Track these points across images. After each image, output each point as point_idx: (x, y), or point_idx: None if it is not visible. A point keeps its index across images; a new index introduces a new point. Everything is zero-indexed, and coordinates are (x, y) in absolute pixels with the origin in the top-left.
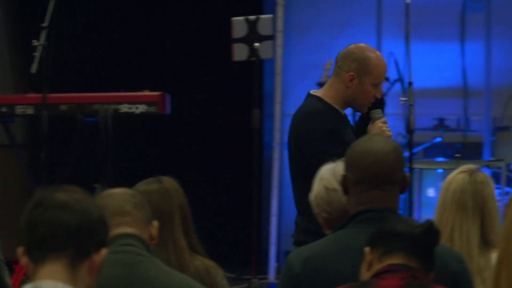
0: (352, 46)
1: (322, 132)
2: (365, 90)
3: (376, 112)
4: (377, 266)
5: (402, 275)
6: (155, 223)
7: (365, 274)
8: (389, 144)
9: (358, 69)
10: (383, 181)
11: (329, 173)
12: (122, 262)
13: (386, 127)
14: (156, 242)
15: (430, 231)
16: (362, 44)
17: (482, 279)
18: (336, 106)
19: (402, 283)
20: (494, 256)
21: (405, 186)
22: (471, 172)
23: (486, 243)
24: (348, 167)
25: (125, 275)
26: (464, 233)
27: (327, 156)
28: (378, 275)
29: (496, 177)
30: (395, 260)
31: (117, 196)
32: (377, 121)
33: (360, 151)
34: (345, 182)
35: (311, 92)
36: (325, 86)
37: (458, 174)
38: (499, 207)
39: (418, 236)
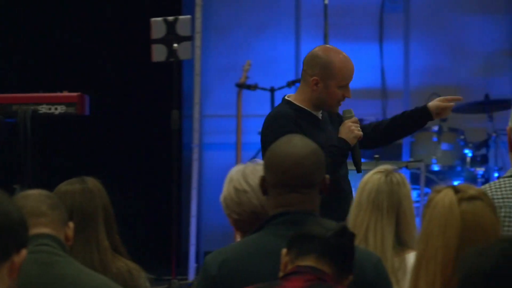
0: (317, 49)
1: (276, 135)
2: (331, 93)
3: (347, 112)
4: (289, 268)
5: (307, 276)
6: (71, 224)
7: (280, 276)
8: (308, 146)
9: (322, 74)
10: (302, 184)
11: (239, 174)
12: (38, 261)
13: (356, 127)
14: (79, 242)
15: (343, 234)
16: (327, 46)
17: (396, 280)
18: (307, 109)
19: (306, 285)
20: (408, 256)
21: (325, 188)
22: (387, 173)
23: (400, 243)
24: (267, 169)
25: (41, 274)
26: (379, 233)
27: None
28: (285, 276)
29: (415, 178)
30: (306, 262)
31: (33, 197)
32: (347, 121)
33: (279, 153)
34: (264, 184)
35: (285, 95)
36: (297, 90)
37: (374, 174)
38: (417, 208)
39: (330, 239)
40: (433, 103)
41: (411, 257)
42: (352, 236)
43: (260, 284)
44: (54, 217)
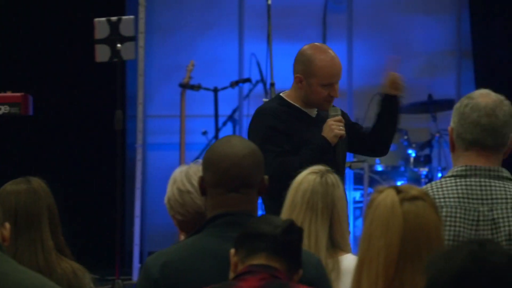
0: (305, 46)
1: (260, 130)
2: (315, 91)
3: (333, 110)
4: (240, 268)
5: (262, 275)
6: (7, 225)
7: (231, 277)
8: (247, 147)
9: (304, 71)
10: (240, 185)
11: (182, 175)
12: None
13: (337, 126)
14: (24, 242)
15: (291, 230)
16: (316, 45)
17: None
18: (297, 105)
19: (262, 284)
20: (342, 258)
21: (263, 188)
22: (322, 174)
23: (334, 245)
24: (205, 169)
25: None
26: (313, 234)
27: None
28: (239, 276)
29: (358, 178)
30: (257, 261)
31: None
32: (329, 119)
33: (218, 154)
34: (203, 184)
35: (280, 92)
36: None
37: (309, 174)
38: (361, 208)
39: (279, 236)
40: (382, 86)
41: (344, 259)
42: (300, 231)
43: (215, 285)
44: None
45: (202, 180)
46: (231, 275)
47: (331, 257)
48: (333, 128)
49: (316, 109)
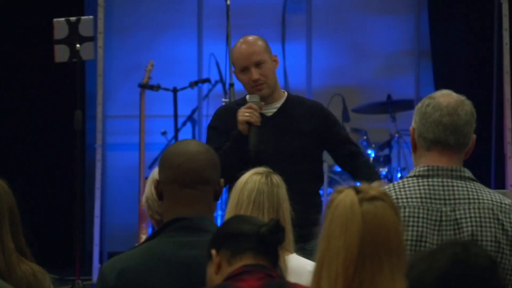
0: None
1: (208, 128)
2: (240, 80)
3: (252, 97)
4: (229, 269)
5: (259, 275)
6: None
7: (214, 278)
8: (202, 146)
9: (232, 64)
10: (195, 180)
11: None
12: None
13: (243, 112)
14: None
15: (278, 229)
16: (246, 36)
17: None
18: (248, 100)
19: (261, 283)
20: (288, 258)
21: (220, 191)
22: (266, 174)
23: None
24: (160, 168)
25: None
26: None
27: None
28: (234, 277)
29: None
30: (246, 260)
31: None
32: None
33: (172, 152)
34: (158, 187)
35: None
36: None
37: (254, 175)
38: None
39: (265, 235)
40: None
41: (290, 259)
42: (284, 231)
43: (210, 287)
44: None
45: (158, 184)
46: (212, 275)
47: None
48: (242, 113)
49: (276, 108)
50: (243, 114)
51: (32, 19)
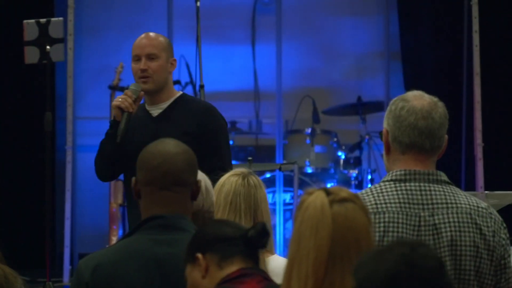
0: None
1: None
2: (132, 69)
3: (133, 85)
4: (220, 272)
5: (258, 278)
6: None
7: (201, 282)
8: (179, 146)
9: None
10: (173, 182)
11: None
12: None
13: (118, 98)
14: None
15: (265, 233)
16: (150, 32)
17: None
18: (145, 103)
19: (261, 286)
20: (269, 260)
21: (196, 191)
22: (244, 175)
23: None
24: (139, 168)
25: None
26: None
27: None
28: (232, 279)
29: (288, 180)
30: (236, 264)
31: None
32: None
33: (150, 152)
34: (136, 186)
35: None
36: None
37: (231, 176)
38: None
39: (252, 239)
40: None
41: (271, 260)
42: (269, 234)
43: None
44: None
45: (136, 182)
46: (197, 279)
47: None
48: (116, 99)
49: (162, 108)
50: (117, 99)
51: (2, 20)
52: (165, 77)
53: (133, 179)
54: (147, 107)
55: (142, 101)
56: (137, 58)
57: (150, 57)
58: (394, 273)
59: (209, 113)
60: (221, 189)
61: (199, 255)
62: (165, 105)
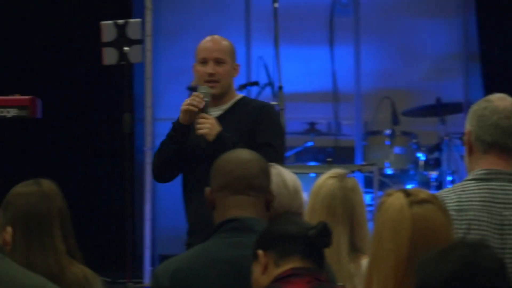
0: None
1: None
2: (196, 70)
3: (202, 88)
4: (276, 270)
5: (307, 278)
6: (9, 229)
7: (261, 278)
8: (253, 154)
9: (195, 55)
10: (247, 186)
11: (278, 178)
12: None
13: (185, 102)
14: (36, 247)
15: (326, 232)
16: (215, 35)
17: (353, 286)
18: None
19: (309, 287)
20: (364, 262)
21: (270, 201)
22: (341, 178)
23: (355, 249)
24: (213, 176)
25: None
26: (334, 240)
27: None
28: (282, 279)
29: (368, 181)
30: (293, 262)
31: None
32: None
33: (224, 159)
34: (211, 195)
35: None
36: None
37: (328, 179)
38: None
39: (313, 238)
40: None
41: (366, 263)
42: (331, 234)
43: None
44: None
45: (210, 192)
46: (258, 275)
47: (353, 261)
48: (182, 104)
49: (222, 110)
50: (185, 103)
51: (81, 22)
52: (230, 82)
53: (207, 189)
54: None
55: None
56: (204, 61)
57: (218, 61)
58: (455, 274)
59: (264, 110)
60: (319, 192)
61: (260, 252)
62: (225, 106)
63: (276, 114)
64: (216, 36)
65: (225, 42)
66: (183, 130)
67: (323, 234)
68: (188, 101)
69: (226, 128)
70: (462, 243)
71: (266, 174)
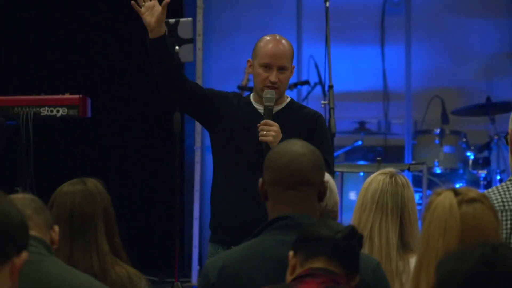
0: None
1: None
2: (256, 73)
3: (268, 93)
4: (299, 270)
5: (322, 279)
6: (56, 228)
7: (289, 279)
8: (306, 147)
9: (252, 54)
10: (299, 181)
11: None
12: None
13: (262, 129)
14: (79, 247)
15: (352, 236)
16: (281, 37)
17: (400, 283)
18: (252, 99)
19: (321, 287)
20: (412, 260)
21: (324, 192)
22: (391, 174)
23: (404, 246)
24: (265, 169)
25: (26, 272)
26: (384, 234)
27: None
28: (298, 278)
29: (417, 180)
30: (317, 264)
31: (18, 201)
32: (259, 124)
33: (277, 152)
34: (263, 187)
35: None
36: None
37: (378, 175)
38: (420, 210)
39: (339, 241)
40: None
41: (413, 262)
42: (361, 237)
43: (272, 286)
44: (39, 221)
45: (262, 184)
46: (288, 277)
47: (402, 258)
48: (261, 134)
49: (275, 109)
50: (266, 133)
51: (131, 21)
52: (287, 86)
53: (260, 180)
54: (256, 105)
55: (246, 94)
56: (268, 66)
57: (282, 68)
58: (474, 273)
59: (319, 121)
60: (368, 187)
61: (291, 253)
62: (277, 108)
63: (326, 125)
64: (281, 40)
65: (288, 46)
66: (159, 42)
67: (350, 237)
68: (261, 129)
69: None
70: (482, 243)
71: (319, 167)
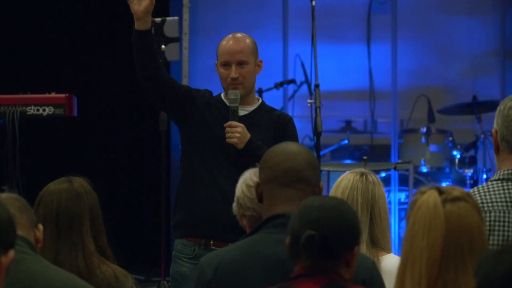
0: None
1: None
2: (219, 73)
3: (232, 93)
4: (297, 270)
5: (319, 279)
6: (40, 226)
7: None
8: (301, 147)
9: (217, 54)
10: (294, 179)
11: (251, 173)
12: None
13: (227, 131)
14: (65, 246)
15: (310, 244)
16: (236, 33)
17: None
18: (223, 98)
19: (318, 287)
20: (383, 259)
21: (319, 193)
22: (362, 173)
23: (374, 243)
24: (260, 168)
25: (10, 271)
26: None
27: None
28: (294, 278)
29: (403, 179)
30: (304, 263)
31: (1, 200)
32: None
33: (272, 151)
34: (258, 188)
35: None
36: None
37: (349, 174)
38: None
39: (304, 248)
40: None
41: (385, 259)
42: (323, 236)
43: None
44: (23, 220)
45: (258, 186)
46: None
47: (372, 255)
48: (228, 136)
49: (247, 111)
50: (232, 135)
51: (117, 20)
52: (254, 81)
53: (255, 182)
54: (224, 99)
55: (216, 94)
56: (227, 64)
57: (240, 63)
58: None
59: (290, 123)
60: (339, 185)
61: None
62: (250, 108)
63: (293, 123)
64: (237, 35)
65: (247, 41)
66: (143, 35)
67: (308, 246)
68: (229, 131)
69: (251, 130)
70: None
71: (314, 167)
